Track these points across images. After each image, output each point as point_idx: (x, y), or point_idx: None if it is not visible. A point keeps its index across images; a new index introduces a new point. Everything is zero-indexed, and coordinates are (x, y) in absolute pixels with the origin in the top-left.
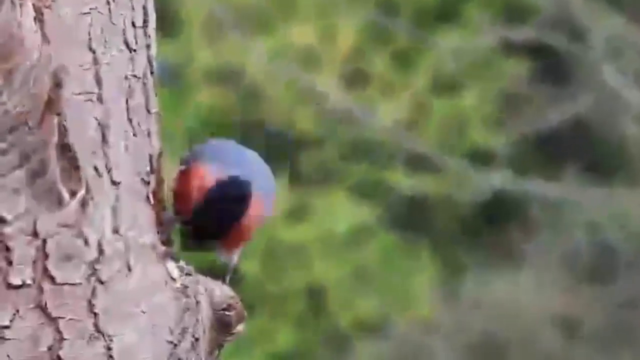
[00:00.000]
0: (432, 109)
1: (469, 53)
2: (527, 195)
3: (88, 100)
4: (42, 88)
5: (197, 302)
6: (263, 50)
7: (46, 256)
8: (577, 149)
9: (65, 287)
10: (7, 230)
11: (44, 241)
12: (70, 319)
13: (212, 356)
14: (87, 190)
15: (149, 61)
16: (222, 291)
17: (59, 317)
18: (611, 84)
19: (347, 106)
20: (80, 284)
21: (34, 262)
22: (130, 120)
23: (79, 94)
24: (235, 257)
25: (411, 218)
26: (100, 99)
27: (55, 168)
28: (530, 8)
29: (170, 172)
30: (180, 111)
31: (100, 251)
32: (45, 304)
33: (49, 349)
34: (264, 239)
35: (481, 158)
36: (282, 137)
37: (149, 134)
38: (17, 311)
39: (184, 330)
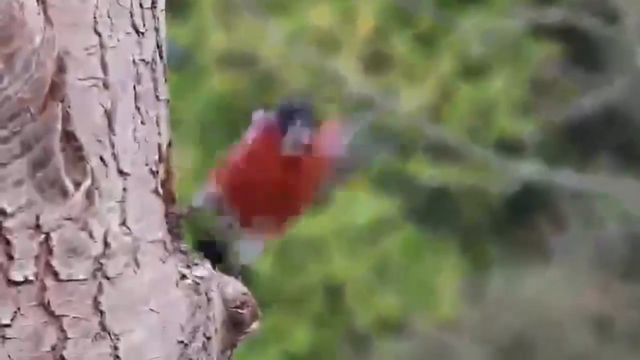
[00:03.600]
0: (458, 95)
1: (497, 36)
2: (556, 186)
3: (93, 86)
4: (44, 73)
5: (209, 300)
6: (279, 33)
7: (49, 251)
8: (609, 137)
9: (70, 284)
10: (8, 223)
11: (47, 235)
12: (75, 317)
13: (225, 356)
14: (93, 181)
15: (158, 45)
16: (235, 287)
17: (63, 315)
18: None
19: (367, 91)
20: (85, 280)
21: (37, 257)
22: (138, 107)
23: (84, 79)
24: (258, 249)
25: (435, 211)
26: (106, 85)
27: (58, 157)
28: None
29: (179, 162)
30: (190, 97)
31: (107, 245)
32: (48, 302)
33: (52, 348)
34: None
35: (509, 147)
36: None
37: (157, 122)
38: (19, 309)
39: (195, 329)
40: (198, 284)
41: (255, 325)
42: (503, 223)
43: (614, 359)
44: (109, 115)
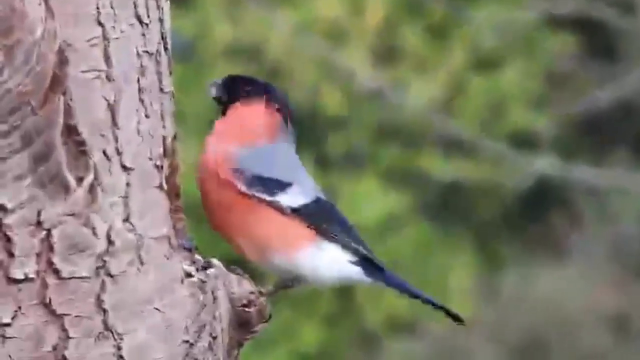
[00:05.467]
0: (470, 88)
1: (510, 27)
2: (571, 181)
3: (96, 78)
4: (46, 65)
5: (215, 298)
6: (285, 24)
7: (51, 248)
8: (626, 131)
9: (72, 281)
10: (9, 219)
11: (49, 231)
12: (77, 316)
13: (231, 355)
14: (95, 176)
15: (162, 36)
16: (241, 286)
17: (65, 314)
18: None
19: (376, 84)
20: (87, 278)
21: (38, 254)
22: (142, 100)
23: (86, 71)
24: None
25: (447, 207)
26: (109, 77)
27: (60, 152)
28: None
29: (184, 157)
30: (194, 90)
31: (110, 242)
32: (50, 300)
33: (54, 348)
34: None
35: (523, 141)
36: (306, 117)
37: (162, 115)
38: (19, 308)
39: (200, 329)
40: (204, 282)
41: (262, 325)
42: (517, 219)
43: (631, 358)
44: (112, 109)
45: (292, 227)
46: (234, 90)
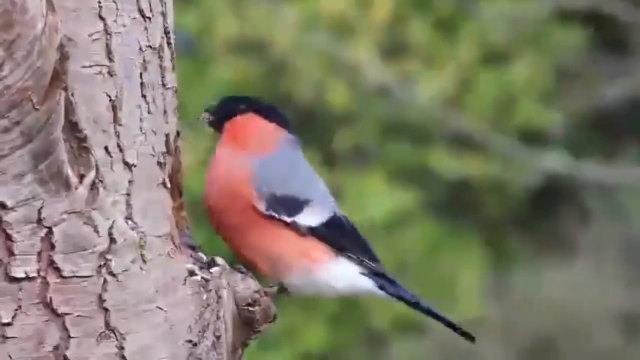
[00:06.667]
0: (479, 84)
1: (520, 21)
2: (582, 178)
3: (98, 74)
4: (47, 61)
5: (219, 297)
6: (291, 18)
7: (52, 246)
8: (637, 128)
9: (73, 280)
10: (9, 217)
11: (50, 229)
12: (78, 316)
13: (236, 355)
14: (97, 173)
15: (166, 30)
16: (246, 285)
17: (66, 314)
18: None
19: (384, 80)
20: (89, 277)
21: (39, 252)
22: (144, 96)
23: (88, 67)
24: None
25: (455, 204)
26: (111, 73)
27: (61, 149)
28: None
29: (188, 154)
30: (198, 86)
31: (112, 240)
32: (51, 299)
33: (55, 348)
34: None
35: (532, 138)
36: (311, 114)
37: (165, 112)
38: (20, 307)
39: (204, 328)
40: (207, 280)
41: (267, 325)
42: (526, 217)
43: None
44: (114, 105)
45: (308, 246)
46: (229, 110)
